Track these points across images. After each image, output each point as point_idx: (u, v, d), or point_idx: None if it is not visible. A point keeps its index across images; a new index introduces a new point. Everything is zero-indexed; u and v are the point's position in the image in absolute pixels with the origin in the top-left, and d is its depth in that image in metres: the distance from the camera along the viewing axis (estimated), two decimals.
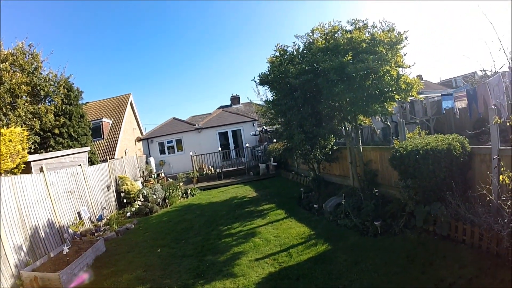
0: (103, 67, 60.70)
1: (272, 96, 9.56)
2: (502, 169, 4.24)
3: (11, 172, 7.00)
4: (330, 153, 9.40)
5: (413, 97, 7.26)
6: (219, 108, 27.21)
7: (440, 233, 5.13)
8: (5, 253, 5.56)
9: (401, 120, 7.71)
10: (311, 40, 7.95)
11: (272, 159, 15.93)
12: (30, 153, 8.06)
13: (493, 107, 5.40)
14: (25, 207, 6.57)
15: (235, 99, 28.38)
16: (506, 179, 3.99)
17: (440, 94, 13.79)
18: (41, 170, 7.70)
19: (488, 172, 4.73)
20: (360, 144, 8.19)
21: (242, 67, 76.94)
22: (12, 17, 37.25)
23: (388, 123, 11.53)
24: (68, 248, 6.97)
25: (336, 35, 7.47)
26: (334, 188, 9.36)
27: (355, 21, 7.47)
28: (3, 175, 6.51)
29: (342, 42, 7.02)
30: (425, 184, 5.34)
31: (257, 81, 8.91)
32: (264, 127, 18.09)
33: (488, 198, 4.43)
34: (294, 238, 6.67)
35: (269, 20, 57.09)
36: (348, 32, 7.26)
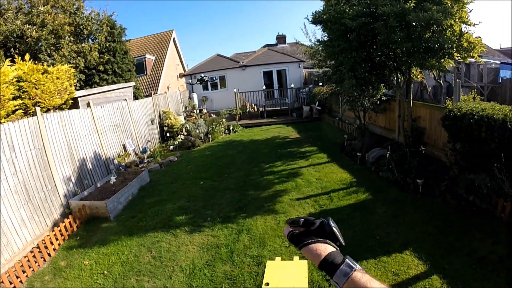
0: (146, 4, 59.73)
1: (323, 37, 8.80)
2: None
3: (60, 108, 7.30)
4: (378, 103, 8.90)
5: (472, 59, 6.44)
6: (264, 46, 25.92)
7: (479, 205, 4.91)
8: (55, 185, 5.98)
9: (457, 80, 6.95)
10: None
11: (316, 102, 15.21)
12: (76, 90, 8.29)
13: None
14: (73, 140, 6.93)
15: (281, 38, 26.68)
16: None
17: (499, 62, 12.35)
18: (88, 105, 7.96)
19: None
20: (411, 98, 7.57)
21: (288, 6, 71.56)
22: None
23: (441, 82, 10.53)
24: (115, 179, 7.43)
25: None
26: (377, 140, 9.04)
27: None
28: (51, 111, 6.80)
29: None
30: (474, 151, 5.06)
31: (310, 19, 8.09)
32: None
33: None
34: (335, 183, 6.62)
35: None
36: None
